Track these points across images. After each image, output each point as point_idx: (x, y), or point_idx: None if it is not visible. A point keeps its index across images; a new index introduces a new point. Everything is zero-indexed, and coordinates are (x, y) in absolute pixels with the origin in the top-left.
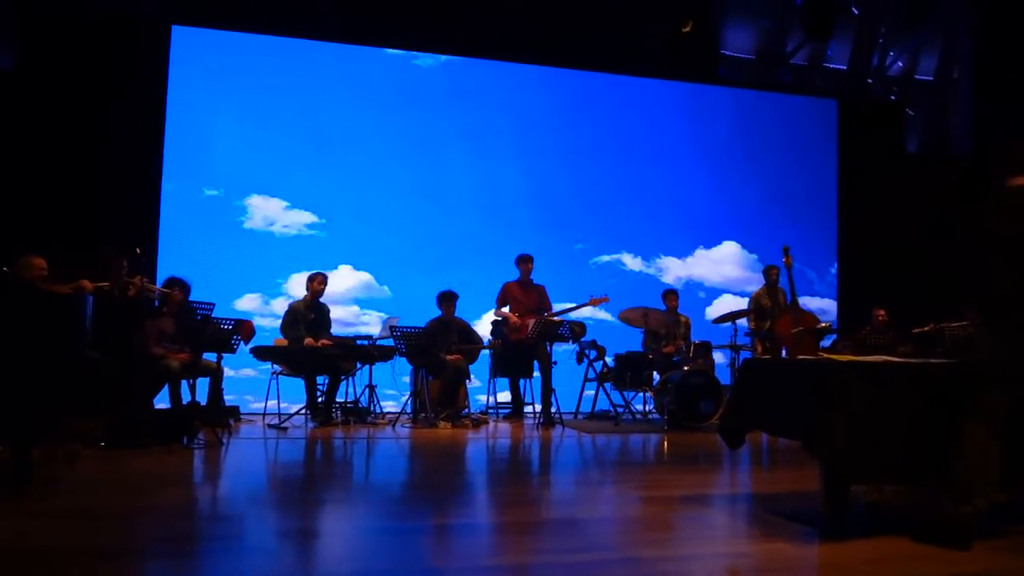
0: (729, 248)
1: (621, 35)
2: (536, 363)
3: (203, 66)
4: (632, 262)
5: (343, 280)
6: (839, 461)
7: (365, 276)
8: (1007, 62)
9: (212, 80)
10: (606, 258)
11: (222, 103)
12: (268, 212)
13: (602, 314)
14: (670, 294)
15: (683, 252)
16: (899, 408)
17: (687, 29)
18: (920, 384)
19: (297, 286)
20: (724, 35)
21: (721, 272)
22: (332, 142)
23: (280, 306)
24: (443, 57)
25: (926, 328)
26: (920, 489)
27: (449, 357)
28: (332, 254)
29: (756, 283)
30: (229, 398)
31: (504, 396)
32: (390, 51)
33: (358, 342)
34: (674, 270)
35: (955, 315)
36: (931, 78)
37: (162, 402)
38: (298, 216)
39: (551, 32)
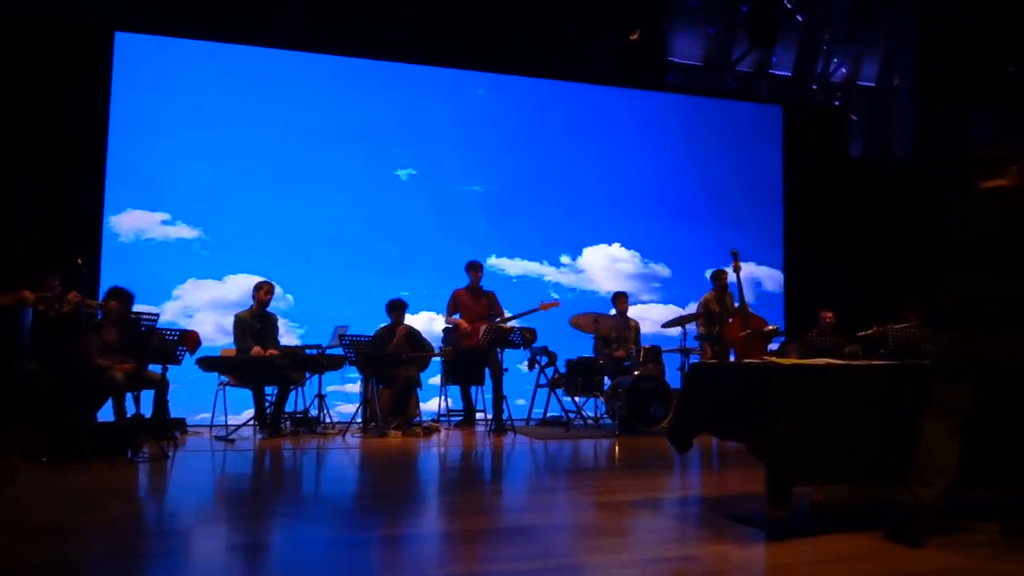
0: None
1: (572, 43)
2: (487, 370)
3: (147, 72)
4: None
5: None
6: (783, 463)
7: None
8: (946, 69)
9: (156, 86)
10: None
11: (166, 109)
12: (143, 223)
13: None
14: (620, 297)
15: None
16: (842, 409)
17: (635, 37)
18: (862, 385)
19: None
20: (672, 43)
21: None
22: (273, 148)
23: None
24: (388, 63)
25: (870, 330)
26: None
27: (401, 366)
28: (220, 263)
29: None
30: (175, 410)
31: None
32: (338, 57)
33: (307, 351)
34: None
35: (898, 316)
36: (873, 84)
37: (106, 415)
38: (179, 230)
39: (501, 39)
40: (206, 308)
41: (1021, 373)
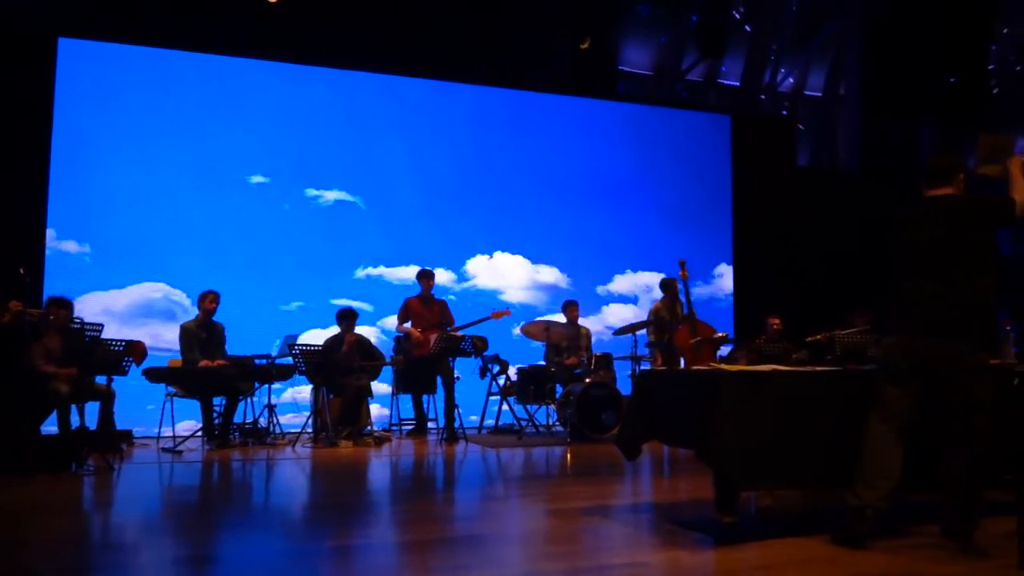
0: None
1: (524, 52)
2: (439, 378)
3: (92, 79)
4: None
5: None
6: (730, 468)
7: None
8: (891, 80)
9: (101, 93)
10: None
11: (111, 116)
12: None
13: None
14: (570, 305)
15: (582, 263)
16: (788, 415)
17: (585, 46)
18: (808, 391)
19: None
20: (623, 52)
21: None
22: (222, 156)
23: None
24: (340, 71)
25: (818, 336)
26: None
27: (352, 375)
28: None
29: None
30: (121, 422)
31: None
32: (292, 65)
33: (256, 361)
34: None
35: (845, 323)
36: (820, 94)
37: (49, 427)
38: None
39: (450, 46)
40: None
41: (959, 377)
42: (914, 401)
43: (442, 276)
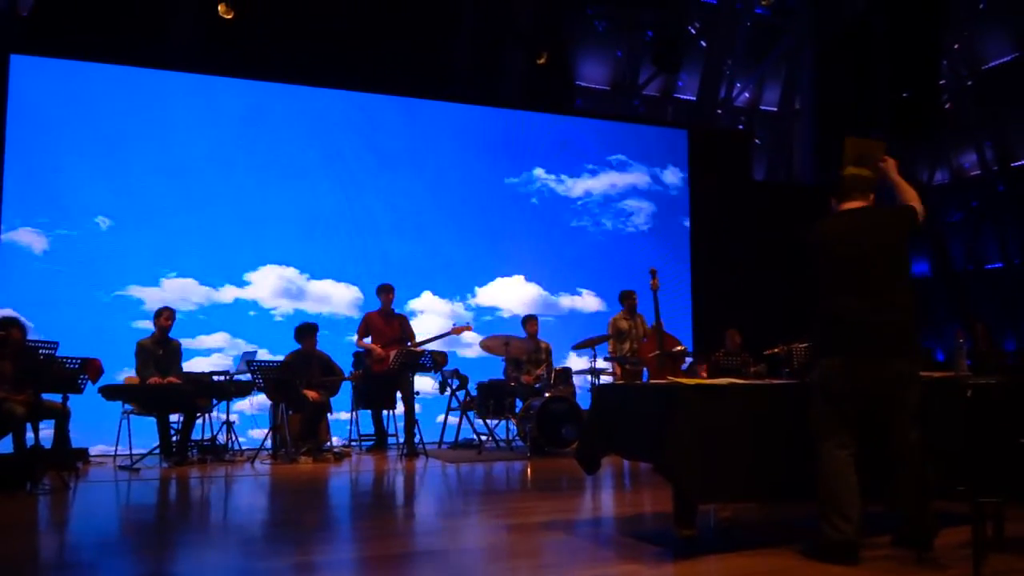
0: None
1: (479, 66)
2: (399, 394)
3: (45, 96)
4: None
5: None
6: (687, 481)
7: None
8: (844, 94)
9: (55, 110)
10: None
11: (64, 133)
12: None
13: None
14: (530, 320)
15: (538, 280)
16: (744, 428)
17: (542, 61)
18: (764, 404)
19: None
20: (580, 67)
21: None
22: (179, 171)
23: None
24: (300, 87)
25: (776, 349)
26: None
27: (308, 392)
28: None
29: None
30: (76, 440)
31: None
32: (245, 81)
33: (214, 378)
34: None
35: (803, 336)
36: (775, 109)
37: (3, 447)
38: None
39: (410, 63)
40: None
41: (901, 393)
42: (856, 422)
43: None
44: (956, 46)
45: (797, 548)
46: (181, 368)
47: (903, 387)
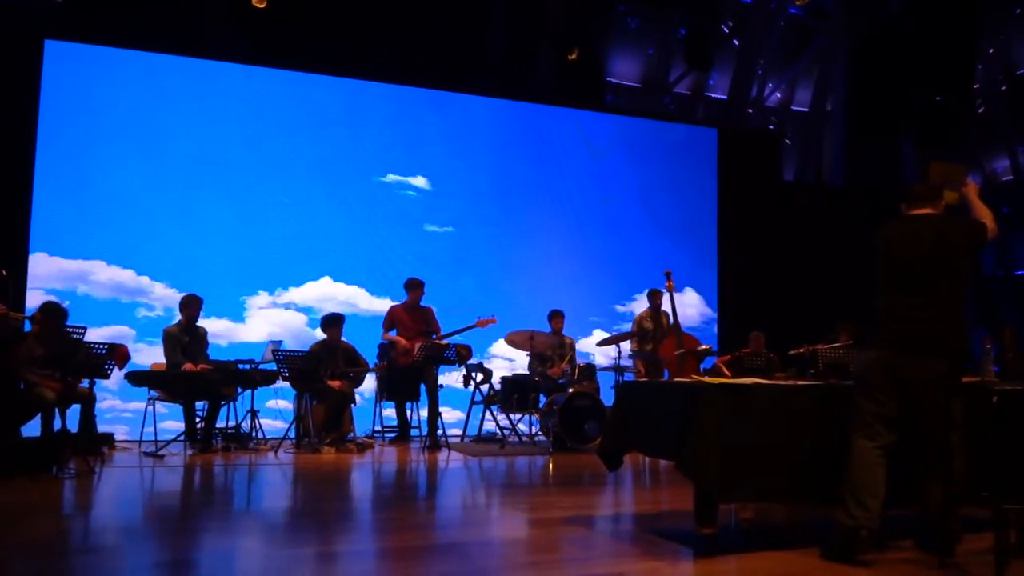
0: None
1: (511, 61)
2: (423, 386)
3: (78, 82)
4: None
5: None
6: (709, 481)
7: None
8: (877, 97)
9: (87, 96)
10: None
11: (97, 119)
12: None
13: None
14: (556, 315)
15: (565, 277)
16: (768, 428)
17: (573, 57)
18: (788, 405)
19: None
20: (611, 64)
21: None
22: (210, 160)
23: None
24: (334, 78)
25: (800, 350)
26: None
27: (332, 383)
28: None
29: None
30: (103, 426)
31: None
32: (277, 71)
33: (240, 366)
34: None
35: (829, 337)
36: (807, 109)
37: (30, 429)
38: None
39: (439, 56)
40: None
41: (935, 394)
42: (891, 417)
43: None
44: (991, 50)
45: (818, 550)
46: (208, 356)
47: (938, 388)
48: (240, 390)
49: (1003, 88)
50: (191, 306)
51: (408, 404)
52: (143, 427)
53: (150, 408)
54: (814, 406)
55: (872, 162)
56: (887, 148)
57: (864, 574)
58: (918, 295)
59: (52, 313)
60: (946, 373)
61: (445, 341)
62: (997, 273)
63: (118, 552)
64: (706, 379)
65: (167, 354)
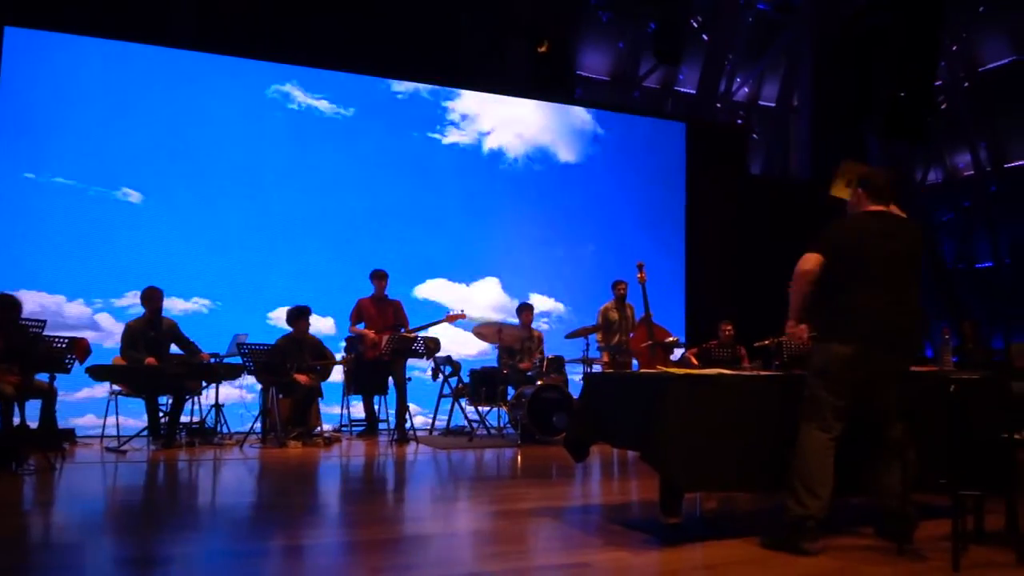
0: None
1: (480, 53)
2: (391, 379)
3: (38, 69)
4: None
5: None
6: (674, 471)
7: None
8: (842, 92)
9: (48, 84)
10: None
11: (58, 107)
12: None
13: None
14: (525, 309)
15: (532, 269)
16: (732, 419)
17: (543, 49)
18: (752, 396)
19: None
20: (581, 57)
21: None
22: (177, 152)
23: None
24: (302, 68)
25: (766, 342)
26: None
27: (299, 376)
28: None
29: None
30: (63, 421)
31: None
32: (243, 60)
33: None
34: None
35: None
36: (773, 104)
37: None
38: None
39: (410, 47)
40: None
41: (895, 386)
42: (845, 408)
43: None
44: (954, 48)
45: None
46: (193, 349)
47: (899, 383)
48: (205, 384)
49: (965, 85)
50: (152, 299)
51: (376, 398)
52: (105, 422)
53: (111, 403)
54: (778, 397)
55: (837, 156)
56: (852, 143)
57: (824, 560)
58: (894, 291)
59: (6, 306)
60: (907, 369)
61: (413, 334)
62: (958, 266)
63: (79, 549)
64: (671, 370)
65: (123, 348)
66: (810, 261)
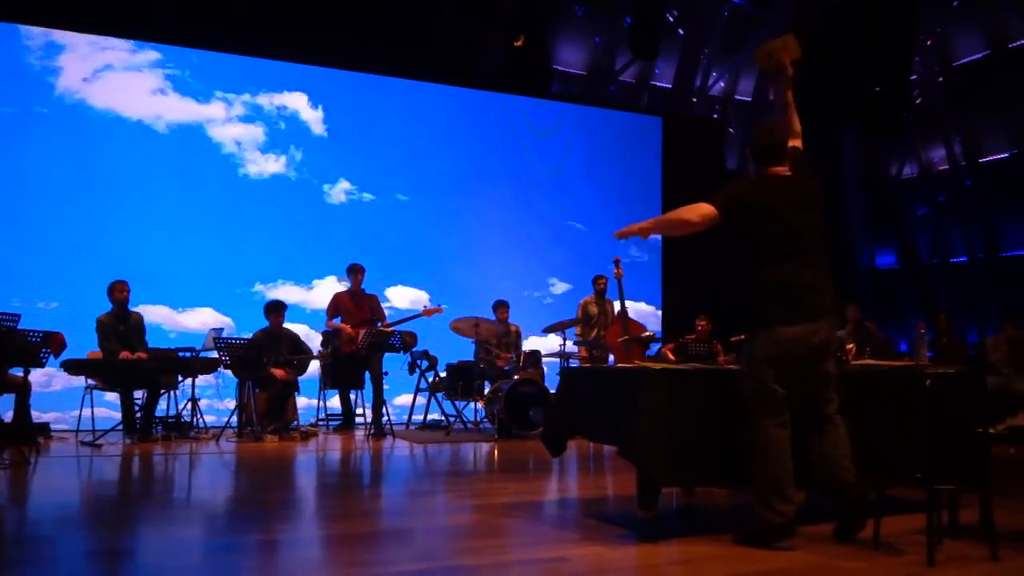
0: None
1: (456, 48)
2: (367, 374)
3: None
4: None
5: None
6: (652, 465)
7: None
8: (817, 87)
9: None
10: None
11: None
12: None
13: None
14: (501, 305)
15: (511, 262)
16: (708, 413)
17: (519, 43)
18: (728, 390)
19: None
20: (557, 51)
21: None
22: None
23: None
24: (266, 61)
25: (741, 336)
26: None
27: (275, 371)
28: None
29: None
30: (37, 415)
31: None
32: (221, 55)
33: (180, 354)
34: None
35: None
36: (749, 99)
37: None
38: None
39: (387, 42)
40: None
41: (827, 363)
42: (787, 398)
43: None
44: (929, 42)
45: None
46: (146, 343)
47: (832, 354)
48: (180, 378)
49: (940, 80)
50: (116, 291)
51: (353, 392)
52: (80, 416)
53: (86, 397)
54: None
55: (813, 151)
56: (827, 137)
57: (799, 555)
58: (812, 262)
59: None
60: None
61: (390, 329)
62: (933, 261)
63: (54, 542)
64: (648, 364)
65: (100, 342)
66: (705, 215)
